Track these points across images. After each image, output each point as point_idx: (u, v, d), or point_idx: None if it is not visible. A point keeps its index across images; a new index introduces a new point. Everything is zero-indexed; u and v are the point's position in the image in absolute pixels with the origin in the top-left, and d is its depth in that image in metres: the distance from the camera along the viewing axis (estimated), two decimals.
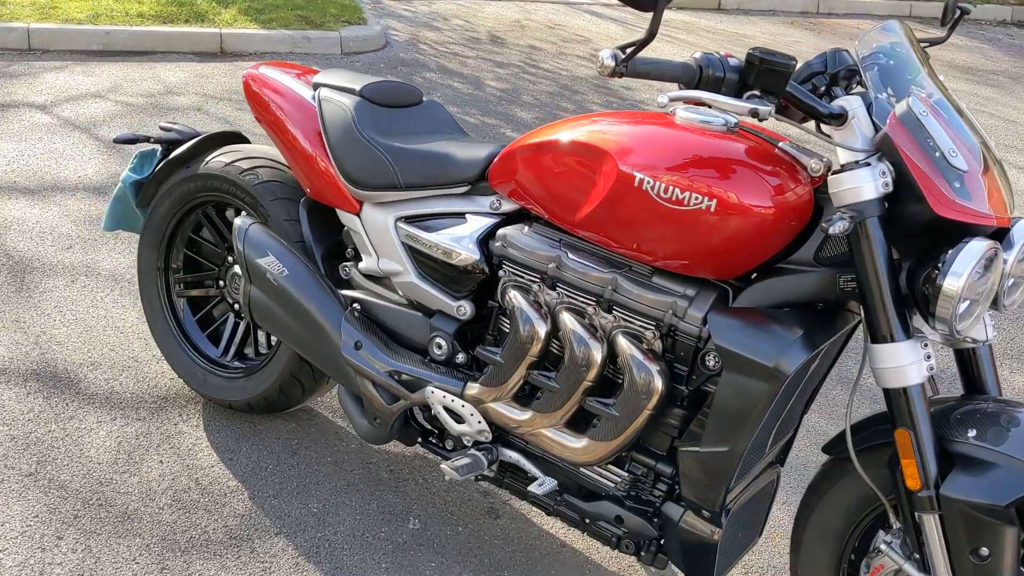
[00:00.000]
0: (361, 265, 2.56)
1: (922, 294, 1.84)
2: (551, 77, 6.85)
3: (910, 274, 1.88)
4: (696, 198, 1.96)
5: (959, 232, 1.83)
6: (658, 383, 2.08)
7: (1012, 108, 7.38)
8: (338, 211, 2.58)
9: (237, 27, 6.66)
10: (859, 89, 2.02)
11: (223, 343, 3.03)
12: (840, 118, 1.90)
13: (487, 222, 2.37)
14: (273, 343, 2.90)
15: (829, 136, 1.94)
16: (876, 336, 1.88)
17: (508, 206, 2.36)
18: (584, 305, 2.21)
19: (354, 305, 2.58)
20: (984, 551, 1.82)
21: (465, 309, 2.39)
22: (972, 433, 1.86)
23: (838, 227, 1.80)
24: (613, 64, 1.78)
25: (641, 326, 2.14)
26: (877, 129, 1.90)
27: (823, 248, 1.98)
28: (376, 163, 2.45)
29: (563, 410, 2.21)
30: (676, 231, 2.01)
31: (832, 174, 1.89)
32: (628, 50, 1.77)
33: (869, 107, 1.92)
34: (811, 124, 2.02)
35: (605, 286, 2.17)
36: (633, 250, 2.12)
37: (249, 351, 3.04)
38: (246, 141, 2.97)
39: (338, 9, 7.28)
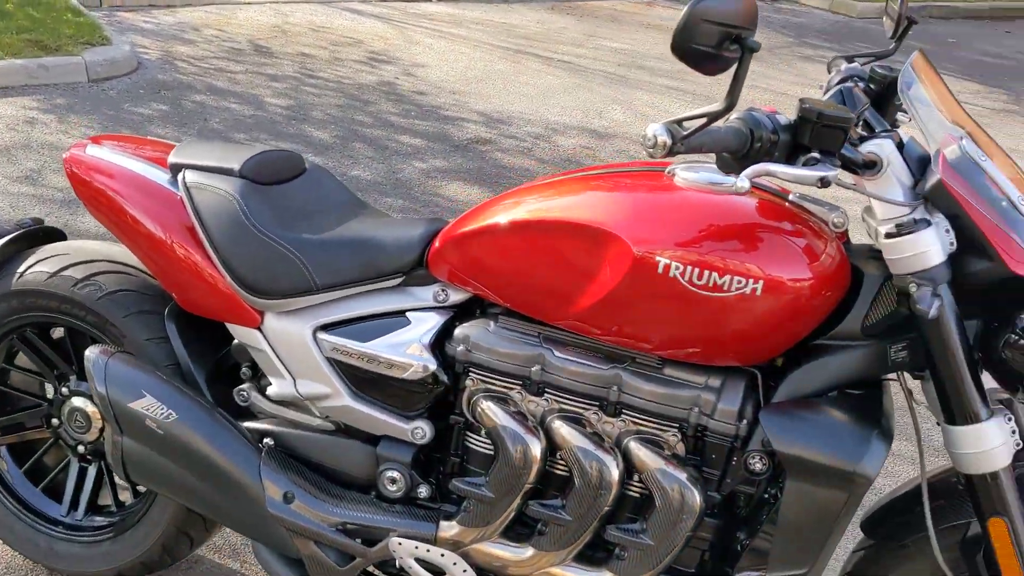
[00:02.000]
0: (271, 391, 2.02)
1: (1000, 361, 1.61)
2: (335, 87, 6.29)
3: (982, 339, 1.65)
4: (739, 282, 1.62)
5: (1020, 284, 1.61)
6: (696, 498, 1.73)
7: (776, 80, 7.66)
8: (229, 325, 2.02)
9: None
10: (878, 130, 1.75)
11: (67, 498, 2.34)
12: (874, 166, 1.63)
13: (436, 320, 1.91)
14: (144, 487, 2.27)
15: (856, 187, 1.65)
16: (955, 418, 1.63)
17: (458, 295, 1.92)
18: (583, 411, 1.82)
19: (266, 441, 2.03)
20: None
21: (423, 431, 1.93)
22: None
23: (934, 306, 1.53)
24: (670, 142, 1.40)
25: (659, 429, 1.78)
26: (914, 176, 1.64)
27: (869, 317, 1.71)
28: (282, 263, 1.92)
29: (576, 544, 1.82)
30: (709, 319, 1.67)
31: (887, 237, 1.61)
32: (688, 123, 1.40)
33: (900, 149, 1.66)
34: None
35: (608, 386, 1.79)
36: (639, 341, 1.75)
37: (108, 501, 2.38)
38: (62, 236, 2.30)
39: (73, 28, 6.28)
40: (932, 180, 1.60)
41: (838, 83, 1.90)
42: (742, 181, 1.45)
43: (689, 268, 1.62)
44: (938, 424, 1.74)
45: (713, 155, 1.53)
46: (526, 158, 5.46)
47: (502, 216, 1.82)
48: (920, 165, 1.66)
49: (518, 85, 6.84)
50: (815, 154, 1.51)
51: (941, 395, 1.64)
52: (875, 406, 1.70)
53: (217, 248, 1.94)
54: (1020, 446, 1.65)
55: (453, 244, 1.87)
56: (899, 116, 1.93)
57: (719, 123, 1.47)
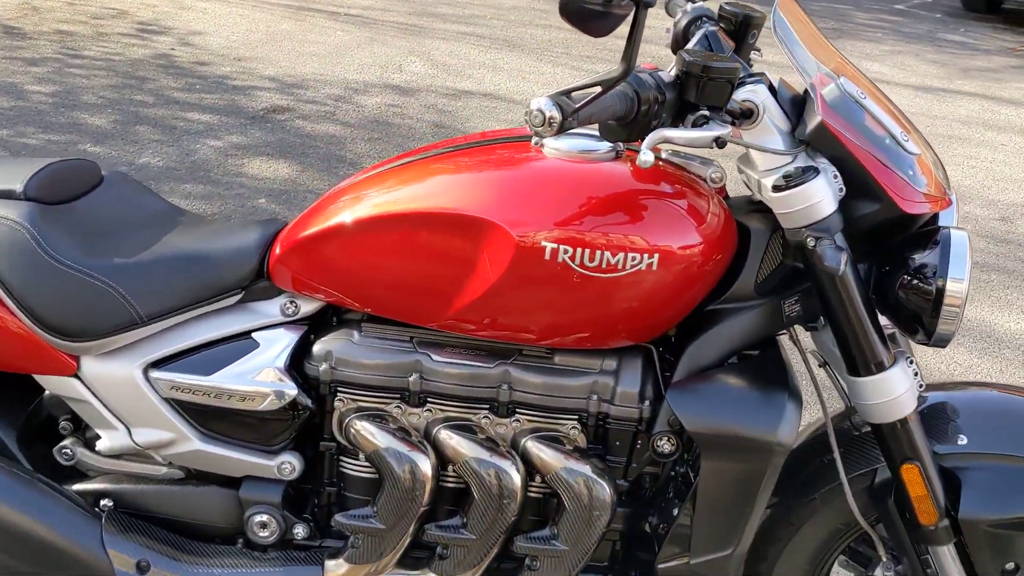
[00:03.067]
0: (101, 445, 1.71)
1: (899, 303, 1.55)
2: (104, 66, 5.69)
3: (875, 283, 1.58)
4: (634, 258, 1.47)
5: (908, 222, 1.56)
6: (607, 492, 1.60)
7: None
8: (37, 376, 1.69)
9: None
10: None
11: None
12: (751, 115, 1.51)
13: (288, 337, 1.67)
14: None
15: (732, 138, 1.54)
16: (858, 368, 1.57)
17: (309, 306, 1.68)
18: (472, 417, 1.64)
19: (104, 504, 1.73)
20: (1010, 565, 1.65)
21: (291, 465, 1.69)
22: (963, 441, 1.65)
23: (842, 261, 1.43)
24: (560, 117, 1.21)
25: (556, 424, 1.63)
26: (790, 120, 1.54)
27: (760, 274, 1.61)
28: (94, 296, 1.60)
29: (483, 563, 1.65)
30: (602, 301, 1.52)
31: (776, 191, 1.50)
32: (577, 94, 1.21)
33: (773, 94, 1.56)
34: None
35: (497, 385, 1.62)
36: (524, 333, 1.59)
37: None
38: None
39: None
40: (813, 123, 1.50)
41: (687, 24, 1.78)
42: (645, 155, 1.29)
43: (579, 250, 1.46)
44: (834, 374, 1.69)
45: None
46: (331, 123, 5.14)
47: (352, 210, 1.59)
48: (795, 109, 1.55)
49: (307, 45, 6.44)
50: (704, 111, 1.37)
51: (843, 347, 1.57)
52: (778, 367, 1.62)
53: (9, 289, 1.60)
54: (923, 387, 1.61)
55: (297, 248, 1.62)
56: (752, 55, 1.83)
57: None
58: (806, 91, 1.56)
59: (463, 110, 5.50)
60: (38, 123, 4.81)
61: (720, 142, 1.37)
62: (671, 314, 1.58)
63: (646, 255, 1.47)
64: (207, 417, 1.67)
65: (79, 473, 1.78)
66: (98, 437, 1.71)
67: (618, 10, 1.16)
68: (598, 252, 1.46)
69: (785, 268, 1.62)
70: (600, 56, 6.72)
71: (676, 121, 1.40)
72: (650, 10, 1.20)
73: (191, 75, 5.68)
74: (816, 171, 1.49)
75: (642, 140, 1.36)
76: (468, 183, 1.55)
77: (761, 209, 1.60)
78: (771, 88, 1.55)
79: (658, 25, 1.77)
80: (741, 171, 1.61)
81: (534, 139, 1.57)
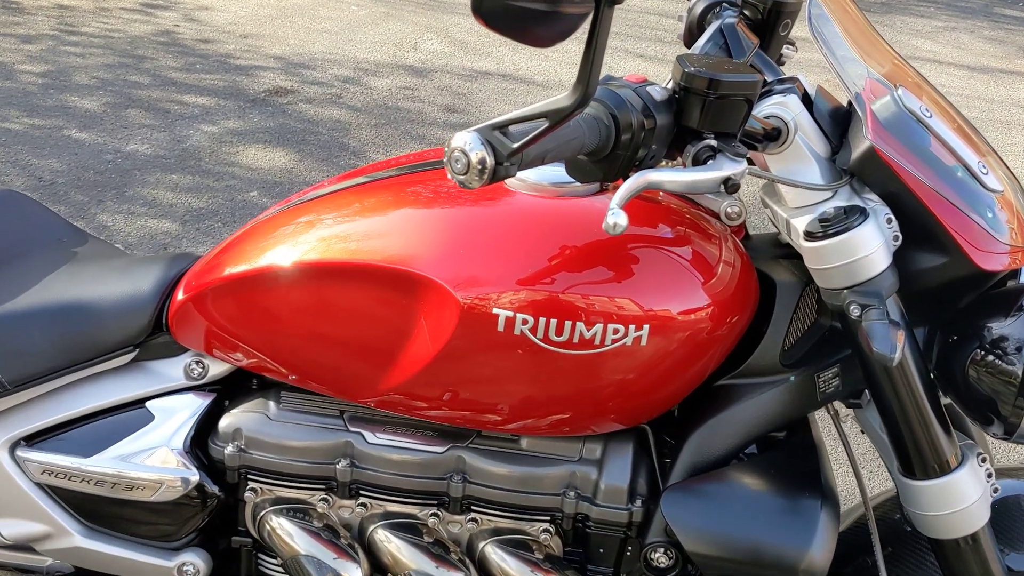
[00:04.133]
0: None
1: (969, 385, 1.17)
2: (102, 44, 5.38)
3: (937, 356, 1.21)
4: (616, 331, 1.11)
5: (982, 279, 1.18)
6: None
7: None
8: None
9: None
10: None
11: None
12: (777, 136, 1.14)
13: (191, 406, 1.34)
14: None
15: (752, 169, 1.16)
16: (914, 469, 1.20)
17: (218, 368, 1.34)
18: (417, 513, 1.30)
19: None
20: None
21: (195, 566, 1.36)
22: None
23: (897, 348, 1.06)
24: (492, 161, 0.85)
25: (523, 525, 1.28)
26: (830, 142, 1.17)
27: (788, 340, 1.25)
28: None
29: None
30: (578, 382, 1.16)
31: (809, 239, 1.13)
32: (517, 128, 0.85)
33: (807, 106, 1.18)
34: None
35: (447, 475, 1.27)
36: (481, 415, 1.24)
37: None
38: None
39: None
40: (860, 148, 1.13)
41: (704, 11, 1.40)
42: (615, 215, 0.92)
43: (542, 321, 1.10)
44: (888, 469, 1.32)
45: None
46: (336, 107, 4.79)
47: (269, 254, 1.25)
48: (836, 127, 1.18)
49: (319, 20, 6.09)
50: (710, 141, 1.00)
51: (895, 440, 1.20)
52: (809, 460, 1.25)
53: None
54: (997, 491, 1.24)
55: (204, 297, 1.28)
56: (785, 51, 1.46)
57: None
58: (851, 104, 1.18)
59: (479, 92, 5.12)
60: (23, 106, 4.52)
61: (731, 185, 1.00)
62: (670, 393, 1.23)
63: (632, 326, 1.11)
64: (89, 507, 1.35)
65: None
66: None
67: (571, 8, 0.79)
68: (567, 323, 1.10)
69: (820, 329, 1.26)
70: (635, 33, 6.28)
71: (673, 152, 1.03)
72: None
73: (192, 54, 5.35)
74: (864, 213, 1.12)
75: (624, 179, 1.00)
76: (404, 224, 1.20)
77: (792, 254, 1.23)
78: (806, 98, 1.18)
79: (670, 9, 1.39)
80: (765, 204, 1.24)
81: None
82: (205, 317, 1.29)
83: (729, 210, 1.25)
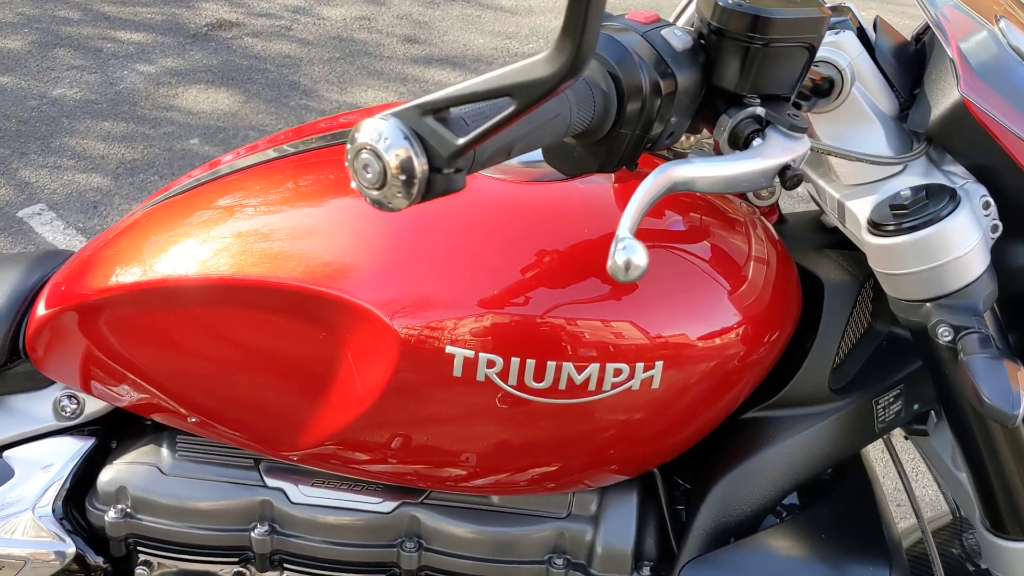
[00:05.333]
0: None
1: None
2: None
3: None
4: (618, 372, 0.81)
5: None
6: None
7: None
8: None
9: None
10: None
11: None
12: (830, 89, 0.83)
13: (64, 453, 1.03)
14: None
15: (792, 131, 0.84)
16: (1004, 525, 0.92)
17: (96, 404, 1.03)
18: None
19: None
20: None
21: None
22: None
23: (1020, 400, 0.76)
24: (427, 168, 0.54)
25: None
26: (898, 95, 0.86)
27: (839, 356, 0.95)
28: None
29: None
30: (569, 432, 0.87)
31: (875, 232, 0.83)
32: (463, 111, 0.54)
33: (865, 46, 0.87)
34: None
35: (397, 541, 0.98)
36: (434, 474, 0.94)
37: None
38: None
39: None
40: (945, 104, 0.82)
41: None
42: (627, 249, 0.61)
43: (515, 363, 0.79)
44: (952, 508, 1.04)
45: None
46: (285, 41, 4.38)
47: (159, 261, 0.93)
48: (905, 73, 0.87)
49: None
50: (755, 107, 0.68)
51: (985, 494, 0.92)
52: (868, 511, 0.97)
53: None
54: None
55: (73, 314, 0.96)
56: None
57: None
58: (922, 40, 0.88)
59: (441, 21, 4.72)
60: None
61: (791, 176, 0.69)
62: (687, 436, 0.93)
63: (640, 364, 0.80)
64: None
65: None
66: None
67: None
68: (550, 365, 0.79)
69: (876, 338, 0.97)
70: None
71: (698, 126, 0.71)
72: None
73: None
74: (953, 197, 0.81)
75: (630, 167, 0.68)
76: (323, 227, 0.87)
77: (844, 241, 0.93)
78: (862, 35, 0.86)
79: None
80: (806, 179, 0.94)
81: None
82: (77, 340, 0.98)
83: (759, 190, 0.94)
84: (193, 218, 0.96)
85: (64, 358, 1.00)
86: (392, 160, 0.54)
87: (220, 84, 3.94)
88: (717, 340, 0.85)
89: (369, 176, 0.55)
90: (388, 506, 0.98)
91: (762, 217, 0.94)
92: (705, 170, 0.66)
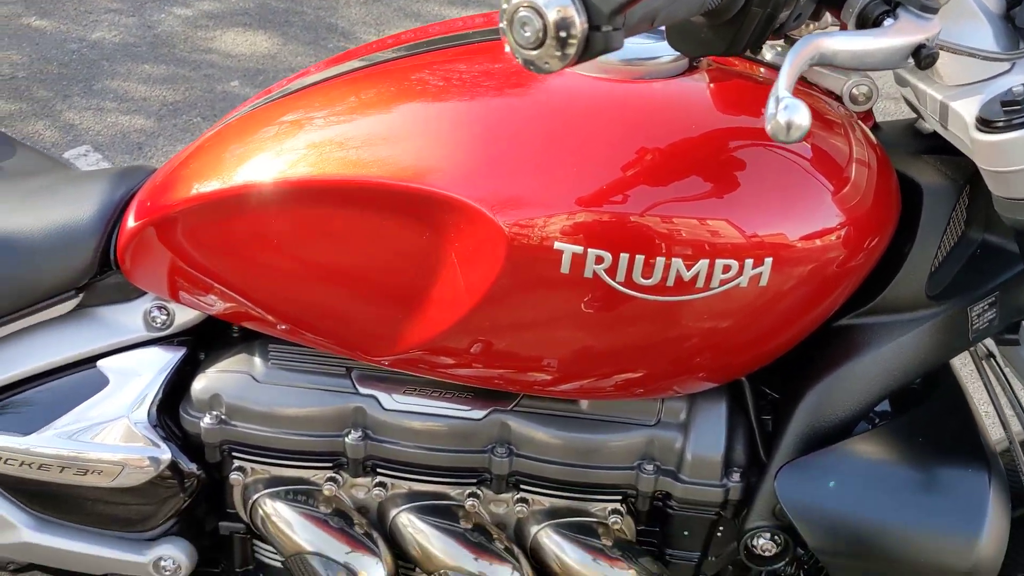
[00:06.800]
0: None
1: None
2: None
3: None
4: (727, 268, 0.80)
5: None
6: None
7: None
8: None
9: None
10: None
11: None
12: None
13: (156, 363, 1.04)
14: None
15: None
16: None
17: (188, 314, 1.04)
18: (450, 493, 1.02)
19: None
20: None
21: (175, 560, 1.09)
22: None
23: None
24: (586, 23, 0.53)
25: (584, 507, 1.01)
26: None
27: (936, 261, 0.94)
28: None
29: None
30: (666, 333, 0.87)
31: (984, 129, 0.81)
32: None
33: None
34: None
35: (488, 447, 0.99)
36: (528, 376, 0.94)
37: None
38: None
39: None
40: None
41: None
42: (790, 109, 0.61)
43: (624, 258, 0.79)
44: None
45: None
46: None
47: (246, 167, 0.93)
48: None
49: None
50: None
51: None
52: (962, 417, 0.97)
53: None
54: None
55: (162, 224, 0.97)
56: None
57: None
58: None
59: None
60: None
61: (925, 55, 0.68)
62: (781, 343, 0.93)
63: (750, 260, 0.80)
64: (36, 494, 1.07)
65: None
66: None
67: None
68: (659, 261, 0.79)
69: (971, 245, 0.96)
70: None
71: (821, 9, 0.70)
72: None
73: None
74: None
75: (754, 51, 0.68)
76: (419, 127, 0.87)
77: (940, 147, 0.92)
78: None
79: None
80: (903, 82, 0.92)
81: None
82: (165, 250, 0.99)
83: (855, 90, 0.93)
84: (281, 124, 0.96)
85: (153, 269, 1.01)
86: (553, 16, 0.53)
87: (257, 27, 3.92)
88: (818, 242, 0.84)
89: (527, 35, 0.54)
90: (479, 413, 0.99)
91: (860, 121, 0.93)
92: (848, 43, 0.65)
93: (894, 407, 1.00)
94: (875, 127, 0.98)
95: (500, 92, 0.87)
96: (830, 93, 0.94)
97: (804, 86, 0.94)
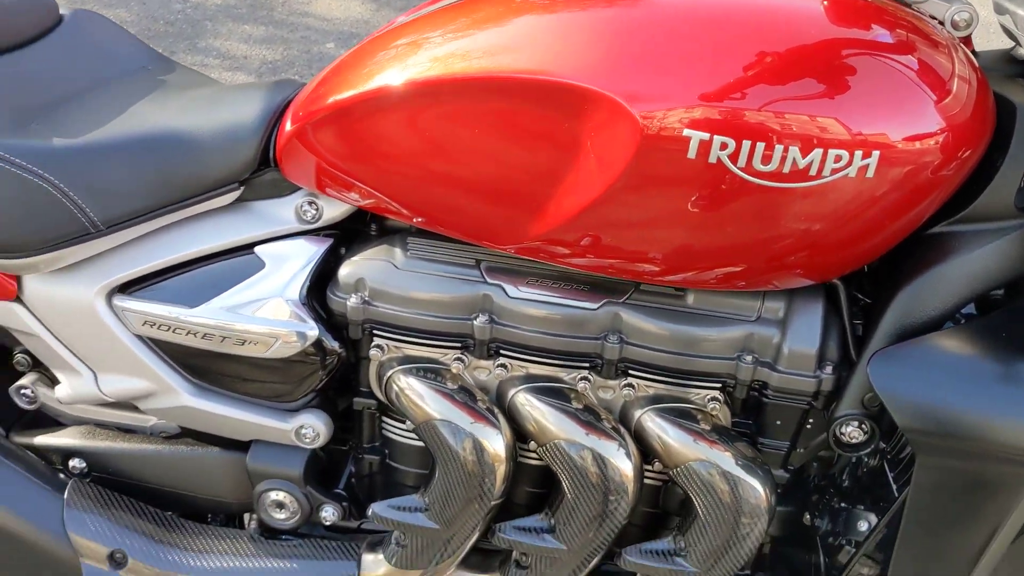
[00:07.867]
0: (60, 392, 1.26)
1: None
2: None
3: None
4: (838, 158, 0.90)
5: None
6: (761, 494, 1.09)
7: None
8: None
9: None
10: None
11: None
12: None
13: (307, 253, 1.17)
14: None
15: None
16: None
17: (336, 210, 1.17)
18: (565, 377, 1.13)
19: (73, 464, 1.31)
20: None
21: (313, 430, 1.22)
22: None
23: None
24: None
25: (686, 394, 1.11)
26: None
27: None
28: (26, 195, 1.12)
29: None
30: (775, 222, 0.97)
31: None
32: None
33: None
34: None
35: (602, 335, 1.10)
36: (643, 265, 1.05)
37: None
38: None
39: None
40: None
41: None
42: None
43: (745, 145, 0.89)
44: None
45: None
46: None
47: (398, 69, 1.05)
48: None
49: None
50: None
51: None
52: None
53: None
54: None
55: (317, 124, 1.10)
56: None
57: None
58: None
59: None
60: None
61: None
62: (877, 244, 1.02)
63: (859, 152, 0.90)
64: (196, 362, 1.21)
65: (49, 420, 1.35)
66: (46, 373, 1.28)
67: None
68: (777, 148, 0.89)
69: None
70: None
71: None
72: None
73: None
74: None
75: None
76: (557, 28, 0.98)
77: None
78: None
79: None
80: (1001, 10, 1.01)
81: None
82: (316, 150, 1.11)
83: (957, 17, 1.01)
84: (420, 36, 1.07)
85: (306, 166, 1.13)
86: None
87: None
88: (919, 144, 0.93)
89: None
90: (594, 304, 1.09)
91: (961, 45, 1.02)
92: None
93: (979, 312, 1.08)
94: (973, 53, 1.06)
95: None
96: (933, 18, 1.03)
97: (907, 12, 1.02)
